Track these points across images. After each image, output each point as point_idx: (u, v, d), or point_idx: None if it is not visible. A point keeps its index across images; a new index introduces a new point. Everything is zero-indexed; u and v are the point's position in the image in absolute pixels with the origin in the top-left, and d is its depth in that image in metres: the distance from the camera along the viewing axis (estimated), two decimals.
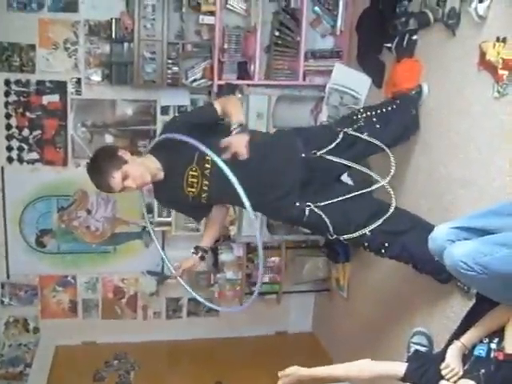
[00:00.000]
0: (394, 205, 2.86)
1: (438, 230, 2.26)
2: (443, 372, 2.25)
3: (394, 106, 3.13)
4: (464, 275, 2.06)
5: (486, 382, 2.06)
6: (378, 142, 2.94)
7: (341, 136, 2.90)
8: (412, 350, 3.02)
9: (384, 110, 3.11)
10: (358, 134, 2.93)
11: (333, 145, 2.86)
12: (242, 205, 2.82)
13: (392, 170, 2.91)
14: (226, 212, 3.15)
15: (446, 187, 2.99)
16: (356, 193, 2.86)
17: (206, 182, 2.73)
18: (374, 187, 2.92)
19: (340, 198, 2.82)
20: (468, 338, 2.31)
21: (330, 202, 2.80)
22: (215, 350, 4.83)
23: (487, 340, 2.20)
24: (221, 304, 5.02)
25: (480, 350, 2.20)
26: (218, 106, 2.79)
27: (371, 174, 2.94)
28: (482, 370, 2.09)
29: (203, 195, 2.78)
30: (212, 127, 2.75)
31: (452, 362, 2.26)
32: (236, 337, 5.00)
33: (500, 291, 2.09)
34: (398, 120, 3.09)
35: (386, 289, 3.78)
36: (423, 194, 3.23)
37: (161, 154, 2.78)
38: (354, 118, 3.05)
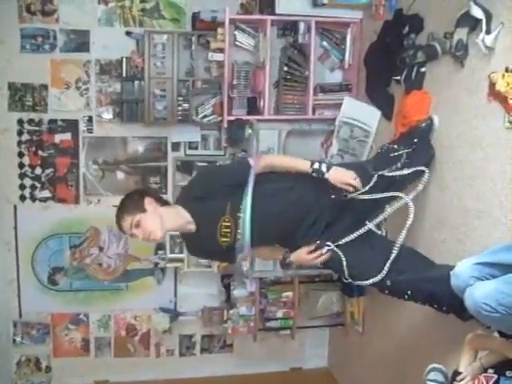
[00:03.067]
0: (398, 244, 2.79)
1: (461, 266, 2.22)
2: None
3: (414, 147, 3.09)
4: (487, 317, 2.02)
5: None
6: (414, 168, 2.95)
7: (374, 180, 2.84)
8: None
9: (411, 149, 3.07)
10: (399, 173, 2.90)
11: (366, 188, 2.80)
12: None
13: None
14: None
15: (460, 219, 2.96)
16: (370, 225, 2.81)
17: (240, 231, 2.70)
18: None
19: (356, 235, 2.77)
20: (487, 359, 2.32)
21: (348, 239, 2.77)
22: None
23: (511, 373, 2.15)
24: (234, 341, 4.98)
25: None
26: (262, 161, 2.78)
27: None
28: None
29: (238, 242, 2.74)
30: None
31: (468, 376, 2.31)
32: (250, 373, 4.92)
33: None
34: (421, 161, 3.05)
35: (403, 323, 3.72)
36: (437, 225, 3.20)
37: (192, 205, 2.72)
38: (394, 155, 3.02)
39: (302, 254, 2.81)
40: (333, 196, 2.77)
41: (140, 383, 4.79)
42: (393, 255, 2.76)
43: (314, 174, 2.72)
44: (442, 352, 3.15)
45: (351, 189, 2.73)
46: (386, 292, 2.83)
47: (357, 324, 4.49)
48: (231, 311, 4.67)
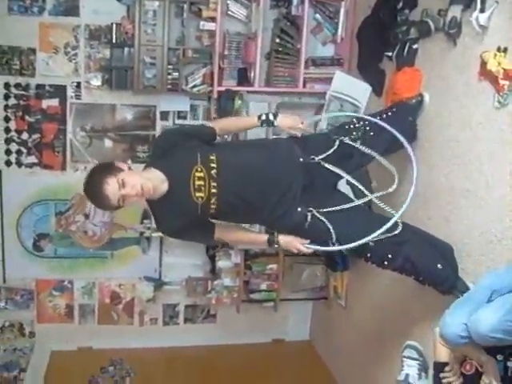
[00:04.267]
0: (395, 217, 2.80)
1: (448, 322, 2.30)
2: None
3: (390, 114, 3.11)
4: (494, 344, 2.09)
5: None
6: (370, 152, 2.86)
7: (337, 144, 2.87)
8: (404, 367, 3.01)
9: (379, 117, 3.07)
10: (353, 144, 2.89)
11: (330, 151, 2.83)
12: (253, 214, 2.82)
13: (395, 182, 2.80)
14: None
15: (446, 197, 2.98)
16: (357, 202, 2.79)
17: (214, 184, 2.60)
18: (374, 195, 2.87)
19: (342, 207, 2.75)
20: None
21: (332, 209, 2.74)
22: (212, 358, 4.81)
23: (502, 357, 2.18)
24: (217, 311, 5.01)
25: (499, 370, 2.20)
26: (215, 124, 2.87)
27: (364, 190, 2.86)
28: None
29: (212, 200, 2.63)
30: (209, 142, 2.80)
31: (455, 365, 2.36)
32: (233, 344, 4.96)
33: None
34: (393, 126, 3.03)
35: (385, 298, 3.76)
36: (422, 203, 3.22)
37: (161, 162, 2.65)
38: (347, 127, 3.01)
39: (292, 241, 2.82)
40: (301, 159, 2.76)
41: (123, 350, 4.81)
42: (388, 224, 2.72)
43: (263, 125, 2.84)
44: (421, 327, 3.20)
45: (299, 134, 2.84)
46: (368, 255, 2.82)
47: (340, 298, 4.53)
48: (215, 282, 4.70)
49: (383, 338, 3.75)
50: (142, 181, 2.50)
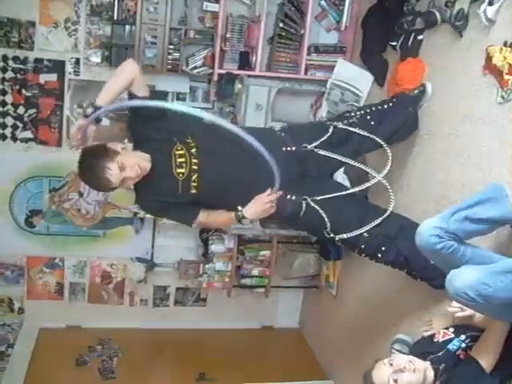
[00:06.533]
0: (392, 203, 2.82)
1: (423, 225, 2.22)
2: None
3: (391, 104, 3.11)
4: (465, 304, 2.04)
5: (444, 377, 2.06)
6: (370, 135, 2.88)
7: (331, 130, 2.87)
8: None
9: (379, 107, 3.08)
10: (349, 128, 2.89)
11: (323, 138, 2.82)
12: (235, 194, 2.77)
13: (388, 165, 2.87)
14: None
15: (443, 191, 2.96)
16: (352, 190, 2.80)
17: (195, 161, 2.64)
18: (369, 184, 2.87)
19: (336, 194, 2.77)
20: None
21: (326, 196, 2.75)
22: (200, 341, 4.81)
23: (464, 337, 2.20)
24: (208, 295, 5.00)
25: (453, 346, 2.21)
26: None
27: (365, 168, 2.88)
28: (443, 365, 2.10)
29: (193, 177, 2.64)
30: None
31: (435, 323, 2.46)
32: (222, 328, 4.98)
33: (499, 313, 2.06)
34: (393, 117, 3.04)
35: (376, 289, 3.75)
36: (419, 196, 3.20)
37: (143, 146, 2.66)
38: (347, 115, 3.03)
39: (256, 204, 2.63)
40: (293, 148, 2.74)
41: (112, 331, 4.80)
42: (387, 214, 2.80)
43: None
44: (412, 319, 3.20)
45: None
46: (362, 247, 2.83)
47: (331, 287, 4.53)
48: (207, 266, 4.69)
49: (372, 329, 3.75)
50: (137, 160, 2.55)
